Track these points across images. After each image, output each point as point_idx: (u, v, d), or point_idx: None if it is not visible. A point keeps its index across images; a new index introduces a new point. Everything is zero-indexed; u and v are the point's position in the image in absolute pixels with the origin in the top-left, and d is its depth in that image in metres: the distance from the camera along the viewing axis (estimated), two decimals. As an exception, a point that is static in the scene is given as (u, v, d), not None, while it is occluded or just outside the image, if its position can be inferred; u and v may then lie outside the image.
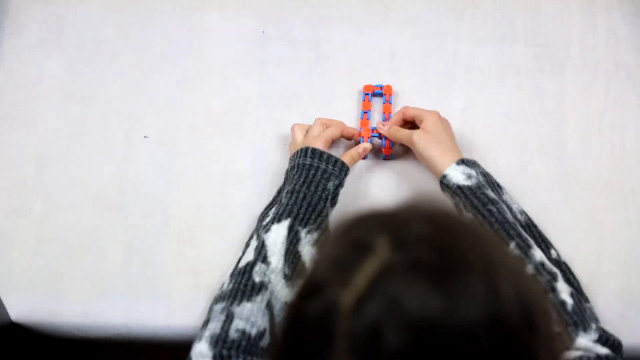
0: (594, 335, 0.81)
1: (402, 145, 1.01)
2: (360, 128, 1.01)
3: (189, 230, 0.98)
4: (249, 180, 1.01)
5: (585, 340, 0.81)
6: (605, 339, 0.82)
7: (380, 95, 1.05)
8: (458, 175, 0.91)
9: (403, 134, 0.98)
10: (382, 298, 0.48)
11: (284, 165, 1.00)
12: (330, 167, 0.92)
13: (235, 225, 0.97)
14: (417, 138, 0.95)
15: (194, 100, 1.07)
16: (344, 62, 1.09)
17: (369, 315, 0.48)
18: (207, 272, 0.95)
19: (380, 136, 1.01)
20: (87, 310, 0.93)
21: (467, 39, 1.11)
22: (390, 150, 1.00)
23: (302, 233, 0.88)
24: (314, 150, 0.93)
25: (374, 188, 1.00)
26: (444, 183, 0.92)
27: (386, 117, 1.02)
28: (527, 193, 0.98)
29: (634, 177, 1.02)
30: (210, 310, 0.84)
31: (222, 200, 1.00)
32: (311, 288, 0.52)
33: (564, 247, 0.94)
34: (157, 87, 1.07)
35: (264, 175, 1.01)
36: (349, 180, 0.96)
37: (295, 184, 0.91)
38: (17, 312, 0.93)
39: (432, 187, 0.95)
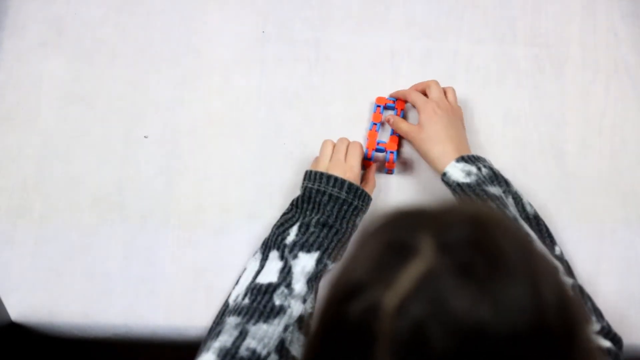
0: (596, 327, 0.82)
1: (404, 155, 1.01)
2: (367, 138, 1.01)
3: (189, 230, 0.98)
4: (248, 180, 1.01)
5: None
6: (607, 331, 0.82)
7: (392, 108, 1.04)
8: (457, 173, 0.91)
9: (403, 127, 0.98)
10: (427, 300, 0.48)
11: (284, 165, 1.00)
12: (362, 203, 0.92)
13: (235, 225, 0.97)
14: (412, 136, 0.96)
15: (194, 100, 1.07)
16: (344, 62, 1.09)
17: (413, 317, 0.47)
18: (207, 272, 0.95)
19: (384, 150, 1.00)
20: (87, 310, 0.93)
21: (467, 39, 1.11)
22: (393, 165, 0.99)
23: (329, 265, 0.89)
24: (350, 185, 0.92)
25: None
26: (444, 180, 0.92)
27: (394, 132, 1.02)
28: (527, 193, 0.98)
29: (634, 177, 1.02)
30: (222, 322, 0.83)
31: (222, 200, 1.00)
32: (352, 288, 0.51)
33: (564, 247, 0.94)
34: (157, 87, 1.07)
35: (264, 175, 1.01)
36: None
37: (329, 217, 0.90)
38: (17, 312, 0.92)
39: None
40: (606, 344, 0.80)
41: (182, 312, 0.93)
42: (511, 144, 1.04)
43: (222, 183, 1.01)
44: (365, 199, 0.93)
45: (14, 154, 1.03)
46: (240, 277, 0.91)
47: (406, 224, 0.53)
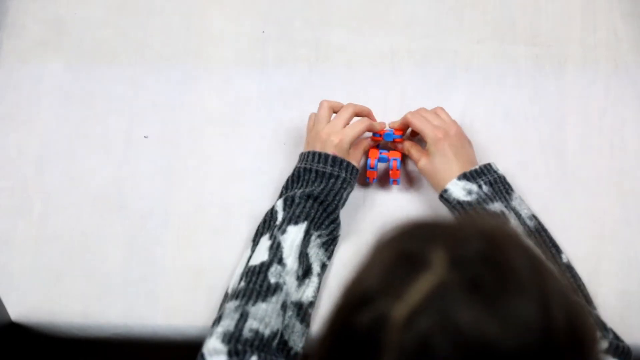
0: (603, 344, 0.81)
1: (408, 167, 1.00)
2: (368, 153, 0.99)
3: (189, 230, 0.98)
4: (249, 180, 1.01)
5: None
6: (615, 346, 0.81)
7: (385, 160, 0.99)
8: (458, 191, 0.91)
9: (414, 154, 0.97)
10: (436, 314, 0.48)
11: (284, 165, 1.00)
12: (348, 175, 0.93)
13: (235, 225, 0.97)
14: (423, 166, 0.95)
15: (194, 100, 1.07)
16: (344, 62, 1.09)
17: (421, 330, 0.48)
18: (207, 272, 0.95)
19: (387, 159, 0.98)
20: (87, 310, 0.93)
21: (467, 39, 1.11)
22: (398, 173, 0.97)
23: (314, 236, 0.89)
24: (334, 159, 0.92)
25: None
26: (444, 197, 0.92)
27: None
28: (527, 193, 0.98)
29: (634, 177, 1.01)
30: (222, 308, 0.84)
31: (222, 200, 1.00)
32: (361, 298, 0.51)
33: (563, 247, 0.94)
34: (157, 87, 1.07)
35: (263, 175, 1.01)
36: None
37: (314, 189, 0.91)
38: (17, 312, 0.92)
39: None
40: None
41: (182, 312, 0.93)
42: (511, 144, 1.04)
43: (222, 183, 1.01)
44: (353, 171, 0.93)
45: (14, 154, 1.03)
46: (235, 269, 0.91)
47: (420, 236, 0.53)
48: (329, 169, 0.92)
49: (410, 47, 1.10)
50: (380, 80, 1.08)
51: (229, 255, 0.95)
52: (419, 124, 0.96)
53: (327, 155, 0.93)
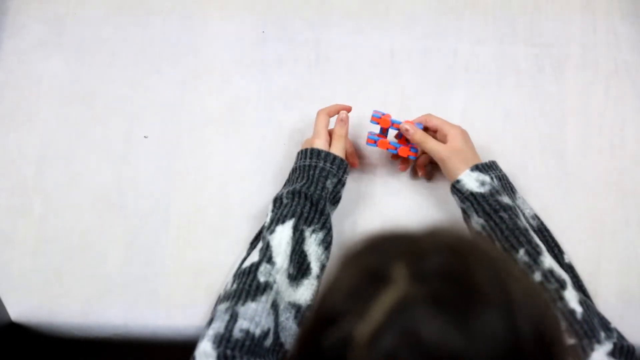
0: (608, 346, 0.80)
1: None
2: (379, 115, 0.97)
3: (189, 230, 0.98)
4: (249, 180, 1.01)
5: (600, 355, 0.80)
6: (619, 347, 0.81)
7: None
8: (472, 182, 0.90)
9: (432, 146, 0.94)
10: (399, 331, 0.48)
11: (284, 165, 1.00)
12: (328, 165, 0.92)
13: (235, 225, 0.97)
14: (446, 155, 0.93)
15: (194, 100, 1.07)
16: (344, 62, 1.09)
17: (385, 349, 0.47)
18: (207, 272, 0.95)
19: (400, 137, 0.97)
20: (87, 310, 0.93)
21: (467, 39, 1.11)
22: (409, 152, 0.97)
23: (307, 232, 0.88)
24: (312, 150, 0.93)
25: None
26: (457, 187, 0.92)
27: (383, 131, 0.99)
28: (527, 193, 0.98)
29: (634, 177, 1.02)
30: (214, 311, 0.84)
31: (222, 200, 1.00)
32: (326, 318, 0.51)
33: (564, 247, 0.94)
34: (157, 87, 1.07)
35: (264, 175, 1.01)
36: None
37: (296, 185, 0.91)
38: (17, 312, 0.93)
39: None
40: None
41: (182, 312, 0.93)
42: (511, 144, 1.04)
43: (222, 183, 1.01)
44: (334, 161, 0.93)
45: (14, 154, 1.03)
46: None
47: (382, 251, 0.53)
48: (307, 161, 0.93)
49: (410, 47, 1.11)
50: (380, 80, 1.08)
51: (229, 256, 0.95)
52: (437, 120, 0.96)
53: (306, 150, 0.94)
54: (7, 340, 0.93)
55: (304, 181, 0.91)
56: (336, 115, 0.97)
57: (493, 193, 0.90)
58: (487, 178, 0.91)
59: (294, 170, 0.94)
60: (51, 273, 0.95)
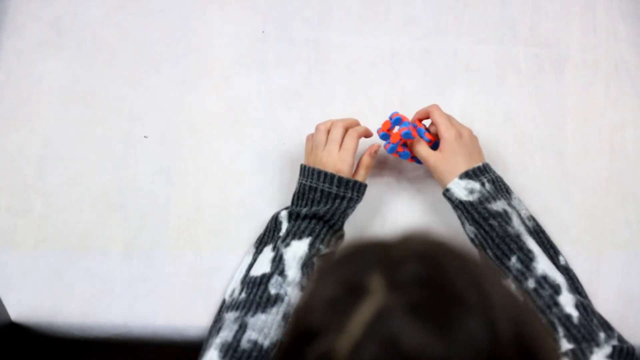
0: (607, 349, 0.80)
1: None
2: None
3: (189, 230, 0.98)
4: (249, 180, 1.01)
5: (599, 359, 0.79)
6: (619, 349, 0.80)
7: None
8: (460, 191, 0.90)
9: (422, 154, 0.94)
10: (379, 342, 0.47)
11: (284, 165, 1.00)
12: (355, 194, 0.92)
13: (235, 225, 0.97)
14: (433, 163, 0.93)
15: (194, 100, 1.07)
16: (344, 62, 1.09)
17: None
18: (206, 272, 0.95)
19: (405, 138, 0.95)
20: (87, 310, 0.93)
21: (467, 39, 1.11)
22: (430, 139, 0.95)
23: (323, 250, 0.89)
24: (340, 179, 0.91)
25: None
26: (447, 196, 0.92)
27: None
28: (527, 193, 0.98)
29: (634, 177, 1.02)
30: (221, 319, 0.84)
31: (222, 200, 1.00)
32: (307, 333, 0.51)
33: (564, 247, 0.94)
34: (157, 87, 1.07)
35: (264, 175, 1.01)
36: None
37: (320, 209, 0.90)
38: (17, 312, 0.93)
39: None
40: None
41: (182, 312, 0.93)
42: (511, 144, 1.04)
43: (222, 183, 1.01)
44: (360, 189, 0.92)
45: (14, 154, 1.03)
46: (235, 272, 0.91)
47: (358, 261, 0.53)
48: (334, 190, 0.91)
49: (410, 47, 1.11)
50: (380, 80, 1.08)
51: (228, 256, 0.95)
52: (438, 117, 0.94)
53: (332, 176, 0.91)
54: (7, 340, 0.93)
55: (327, 207, 0.90)
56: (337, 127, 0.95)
57: (482, 201, 0.89)
58: (476, 185, 0.90)
59: (314, 189, 0.91)
60: (51, 273, 0.95)
